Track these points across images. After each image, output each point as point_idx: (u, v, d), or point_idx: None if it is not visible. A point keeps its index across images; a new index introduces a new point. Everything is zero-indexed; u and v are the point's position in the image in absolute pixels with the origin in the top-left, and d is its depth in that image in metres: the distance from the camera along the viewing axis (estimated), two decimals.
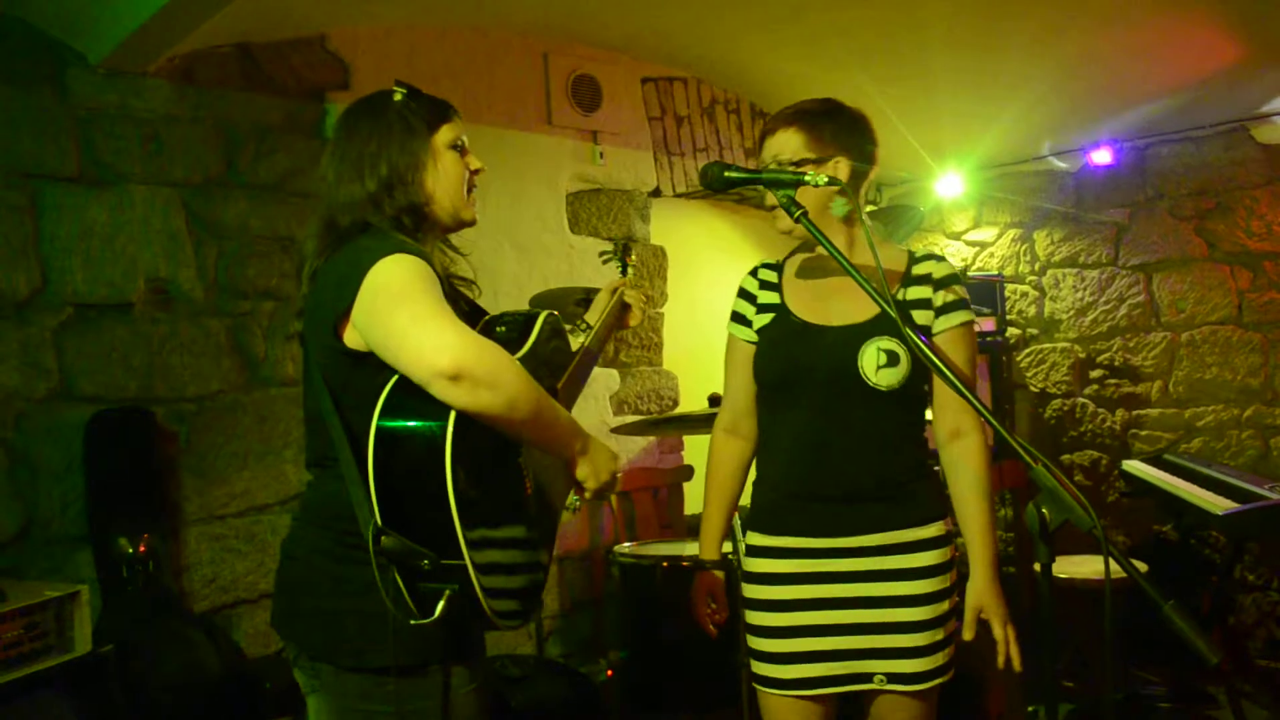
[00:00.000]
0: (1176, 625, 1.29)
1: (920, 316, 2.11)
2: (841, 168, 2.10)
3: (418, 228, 1.79)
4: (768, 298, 2.21)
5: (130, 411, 3.11)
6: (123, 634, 2.79)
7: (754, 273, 2.28)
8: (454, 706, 1.70)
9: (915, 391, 2.10)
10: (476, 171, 1.90)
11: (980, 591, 2.08)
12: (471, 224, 1.91)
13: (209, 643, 3.04)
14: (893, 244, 2.31)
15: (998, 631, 2.06)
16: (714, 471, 2.32)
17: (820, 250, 2.15)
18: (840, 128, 2.13)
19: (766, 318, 2.19)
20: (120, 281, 3.15)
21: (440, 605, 1.54)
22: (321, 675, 1.74)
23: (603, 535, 4.35)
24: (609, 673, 3.54)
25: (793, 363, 2.11)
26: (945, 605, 2.09)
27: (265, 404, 3.44)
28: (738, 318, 2.26)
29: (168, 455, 3.21)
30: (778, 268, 2.26)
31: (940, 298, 2.13)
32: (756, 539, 2.18)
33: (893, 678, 2.06)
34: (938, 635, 2.07)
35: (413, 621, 1.55)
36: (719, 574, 2.30)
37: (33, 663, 2.44)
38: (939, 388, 2.15)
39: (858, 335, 2.06)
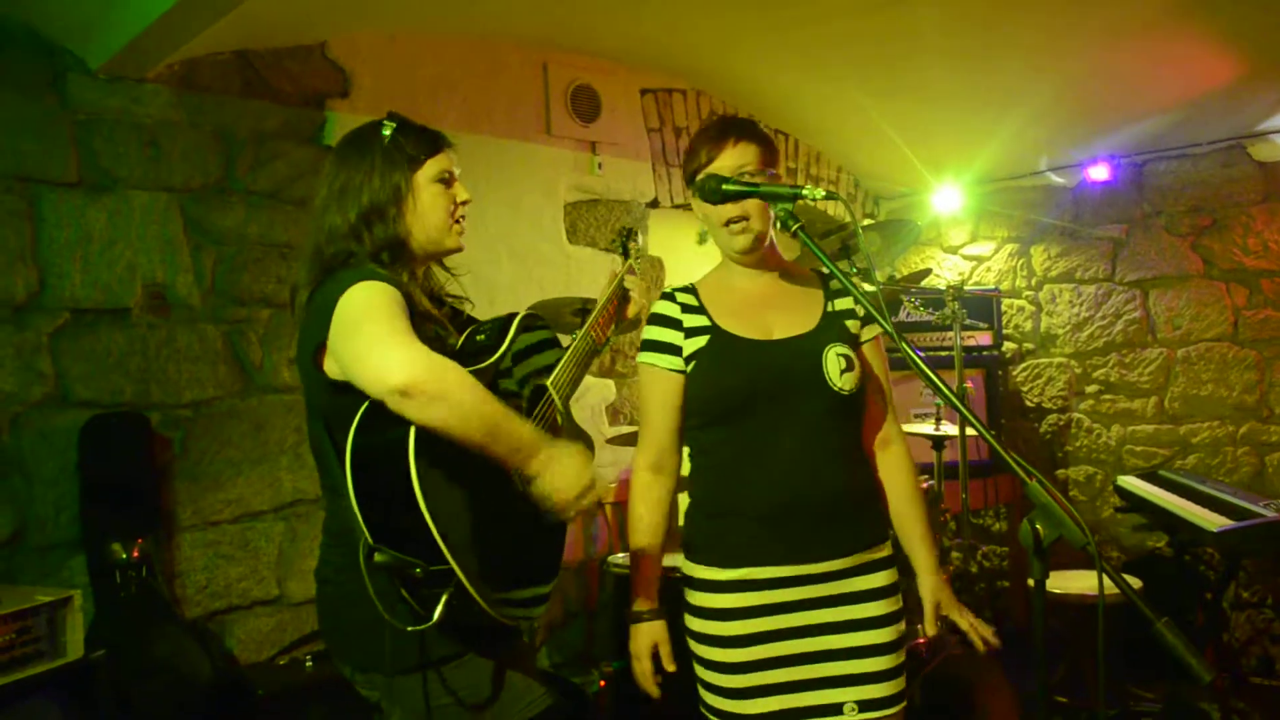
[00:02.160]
0: (1169, 643, 1.29)
1: (852, 326, 2.16)
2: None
3: (395, 260, 1.84)
4: (694, 320, 2.12)
5: (125, 416, 3.10)
6: (115, 640, 2.78)
7: (669, 297, 2.16)
8: (492, 688, 1.80)
9: (863, 398, 2.13)
10: (465, 203, 1.94)
11: (934, 588, 2.16)
12: (457, 251, 1.96)
13: (201, 649, 3.04)
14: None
15: (962, 621, 2.13)
16: (643, 515, 2.17)
17: (736, 267, 2.17)
18: (774, 145, 2.18)
19: (699, 341, 2.10)
20: (117, 287, 3.14)
21: (439, 609, 1.61)
22: (378, 684, 1.84)
23: (596, 545, 4.35)
24: (602, 684, 3.53)
25: (745, 379, 2.05)
26: (903, 626, 2.11)
27: (261, 411, 3.43)
28: (661, 347, 2.12)
29: (162, 461, 3.20)
30: (692, 290, 2.18)
31: (862, 309, 2.15)
32: (705, 572, 2.09)
33: (864, 705, 2.02)
34: (901, 658, 2.08)
35: (410, 628, 1.62)
36: (661, 625, 2.15)
37: (24, 668, 2.43)
38: (868, 398, 2.17)
39: (814, 343, 2.07)
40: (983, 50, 4.10)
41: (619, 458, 4.44)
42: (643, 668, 2.13)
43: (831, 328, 2.11)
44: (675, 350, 2.11)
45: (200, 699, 2.94)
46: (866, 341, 2.16)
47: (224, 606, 3.33)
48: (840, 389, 2.03)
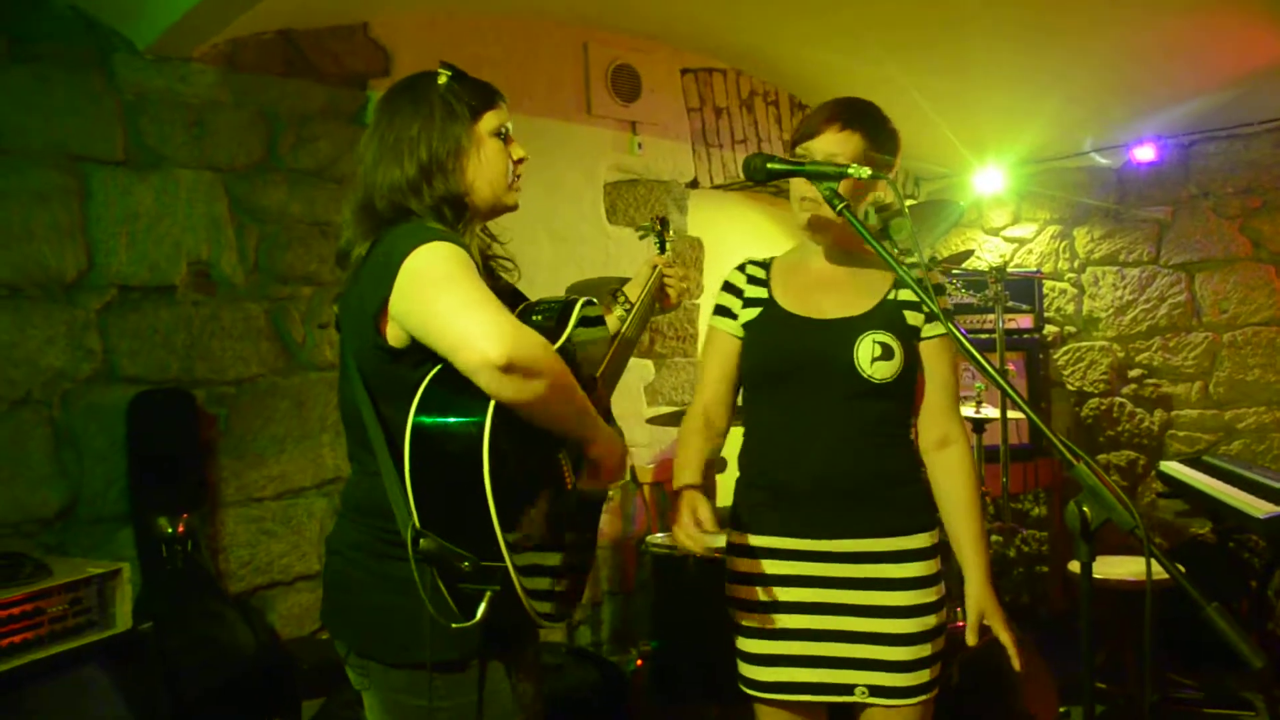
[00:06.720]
0: (1220, 628, 1.27)
1: (911, 318, 2.12)
2: (892, 177, 2.10)
3: (458, 218, 1.75)
4: (755, 292, 2.19)
5: (171, 393, 3.15)
6: (162, 612, 2.82)
7: (741, 268, 2.26)
8: (493, 702, 1.67)
9: (906, 388, 2.11)
10: (520, 160, 1.86)
11: (980, 597, 2.09)
12: (513, 209, 1.87)
13: (244, 623, 3.08)
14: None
15: (1003, 635, 2.07)
16: (681, 451, 2.21)
17: (811, 246, 2.19)
18: (891, 136, 2.15)
19: (753, 311, 2.17)
20: (163, 264, 3.18)
21: (482, 607, 1.51)
22: (370, 673, 1.73)
23: (634, 525, 4.36)
24: (639, 662, 3.56)
25: (785, 354, 2.10)
26: (933, 620, 2.07)
27: (303, 388, 3.47)
28: (722, 310, 2.22)
29: (207, 437, 3.25)
30: (765, 264, 2.25)
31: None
32: (740, 538, 2.15)
33: (875, 691, 2.03)
34: (924, 650, 2.05)
35: (455, 625, 1.53)
36: (697, 493, 2.10)
37: (76, 637, 2.48)
38: (926, 395, 2.15)
39: (852, 328, 2.07)
40: (1026, 30, 4.04)
41: (657, 438, 4.45)
42: (681, 525, 2.01)
43: (883, 315, 2.08)
44: (732, 315, 2.20)
45: (244, 671, 2.98)
46: (928, 339, 2.13)
47: (266, 582, 3.38)
48: (869, 376, 2.04)
